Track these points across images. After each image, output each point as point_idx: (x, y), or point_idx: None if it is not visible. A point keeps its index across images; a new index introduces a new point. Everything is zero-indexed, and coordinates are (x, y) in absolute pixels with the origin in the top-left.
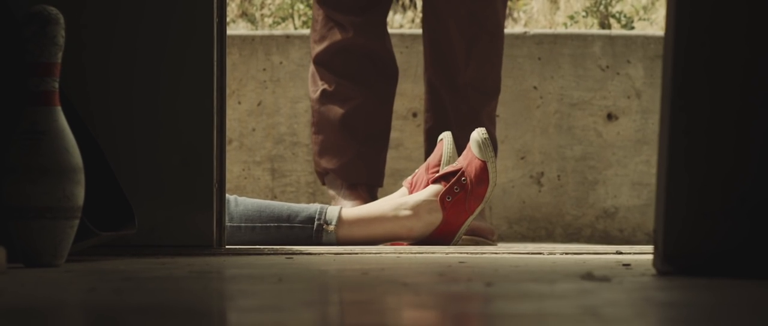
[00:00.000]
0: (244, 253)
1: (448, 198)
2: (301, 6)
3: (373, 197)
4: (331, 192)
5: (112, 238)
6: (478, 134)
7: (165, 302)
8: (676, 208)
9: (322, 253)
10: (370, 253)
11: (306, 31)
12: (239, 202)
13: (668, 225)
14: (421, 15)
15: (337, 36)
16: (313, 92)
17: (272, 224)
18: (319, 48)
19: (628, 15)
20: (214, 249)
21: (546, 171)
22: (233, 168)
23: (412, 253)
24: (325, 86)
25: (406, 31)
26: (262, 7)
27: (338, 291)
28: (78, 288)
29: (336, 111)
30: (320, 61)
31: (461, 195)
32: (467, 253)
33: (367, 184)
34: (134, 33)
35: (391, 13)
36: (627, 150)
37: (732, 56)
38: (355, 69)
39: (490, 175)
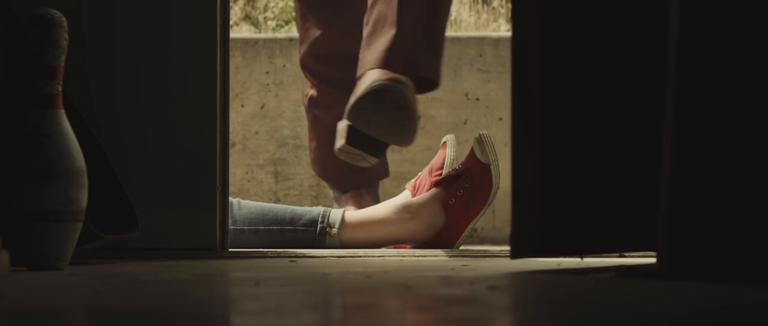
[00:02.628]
0: (248, 256)
1: (452, 201)
2: None
3: (375, 195)
4: (333, 193)
5: (116, 241)
6: (480, 136)
7: (168, 305)
8: (678, 211)
9: (325, 256)
10: (373, 256)
11: None
12: (242, 205)
13: (671, 228)
14: None
15: (313, 35)
16: (303, 97)
17: (275, 227)
18: (301, 50)
19: None
20: (218, 253)
21: None
22: (236, 171)
23: (415, 256)
24: (312, 92)
25: None
26: (265, 11)
27: (341, 294)
28: (81, 291)
29: (322, 119)
30: (303, 65)
31: (464, 197)
32: (470, 256)
33: (366, 187)
34: (137, 36)
35: None
36: None
37: (734, 57)
38: (334, 72)
39: (493, 178)
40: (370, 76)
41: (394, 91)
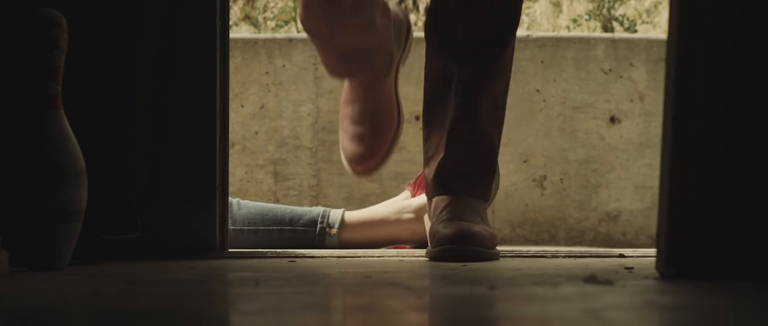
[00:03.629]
0: (247, 256)
1: None
2: None
3: (389, 77)
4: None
5: (115, 241)
6: None
7: (168, 305)
8: (679, 211)
9: (325, 256)
10: (372, 256)
11: None
12: (242, 205)
13: (671, 228)
14: (424, 18)
15: None
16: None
17: (275, 227)
18: None
19: (631, 18)
20: (217, 253)
21: (549, 175)
22: (236, 171)
23: (415, 256)
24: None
25: None
26: (264, 11)
27: (341, 295)
28: (81, 291)
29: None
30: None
31: None
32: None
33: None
34: (137, 36)
35: None
36: (630, 153)
37: (735, 59)
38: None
39: (493, 178)
40: (434, 241)
41: (456, 257)
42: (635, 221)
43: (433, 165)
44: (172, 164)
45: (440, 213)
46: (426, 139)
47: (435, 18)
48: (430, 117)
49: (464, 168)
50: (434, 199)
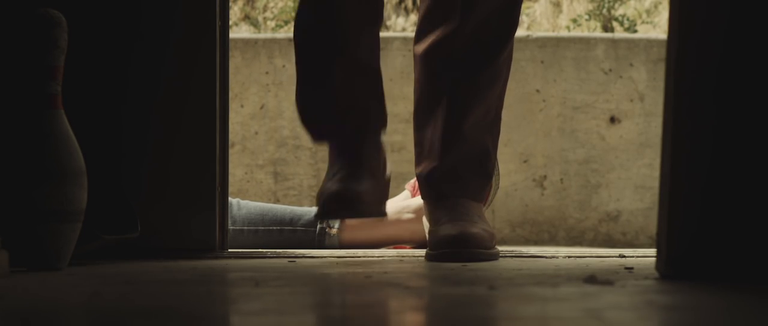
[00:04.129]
0: (247, 256)
1: None
2: None
3: (377, 145)
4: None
5: (115, 241)
6: None
7: (168, 305)
8: (679, 212)
9: (325, 256)
10: (372, 257)
11: None
12: (242, 206)
13: (671, 228)
14: None
15: None
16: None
17: (275, 227)
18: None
19: (631, 18)
20: (217, 253)
21: (549, 175)
22: (236, 171)
23: (414, 256)
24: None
25: (409, 34)
26: (264, 11)
27: (341, 295)
28: (81, 291)
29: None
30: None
31: None
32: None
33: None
34: (137, 36)
35: (393, 17)
36: (630, 153)
37: (735, 59)
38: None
39: (493, 178)
40: (431, 243)
41: (456, 259)
42: (635, 221)
43: (426, 171)
44: (171, 164)
45: (437, 216)
46: (417, 143)
47: (428, 18)
48: (421, 122)
49: (457, 175)
50: (430, 203)
